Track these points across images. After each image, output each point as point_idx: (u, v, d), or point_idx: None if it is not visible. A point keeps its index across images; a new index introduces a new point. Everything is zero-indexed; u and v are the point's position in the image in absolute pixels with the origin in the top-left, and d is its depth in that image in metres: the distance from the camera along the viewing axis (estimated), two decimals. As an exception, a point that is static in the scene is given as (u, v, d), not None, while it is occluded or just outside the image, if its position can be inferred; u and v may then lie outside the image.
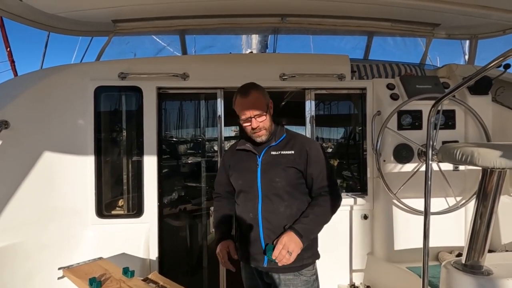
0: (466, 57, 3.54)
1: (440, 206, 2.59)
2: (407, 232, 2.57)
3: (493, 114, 2.66)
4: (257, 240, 1.62)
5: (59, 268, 1.79)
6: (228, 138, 4.49)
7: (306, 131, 2.87)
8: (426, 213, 1.45)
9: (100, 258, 1.97)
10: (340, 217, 2.74)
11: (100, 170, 2.62)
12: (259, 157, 1.68)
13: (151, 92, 2.65)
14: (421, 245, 1.47)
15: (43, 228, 2.40)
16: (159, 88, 2.71)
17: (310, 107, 2.87)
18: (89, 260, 1.91)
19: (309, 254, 1.64)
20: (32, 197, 2.37)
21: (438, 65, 3.49)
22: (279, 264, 1.50)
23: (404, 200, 2.55)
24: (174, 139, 3.46)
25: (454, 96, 2.56)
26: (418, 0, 2.48)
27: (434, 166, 2.55)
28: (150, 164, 2.63)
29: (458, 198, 2.62)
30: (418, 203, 2.52)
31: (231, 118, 2.88)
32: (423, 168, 2.53)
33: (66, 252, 2.42)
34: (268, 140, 1.68)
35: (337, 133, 3.72)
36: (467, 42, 3.46)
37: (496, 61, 1.16)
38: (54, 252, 2.36)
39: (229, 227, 1.81)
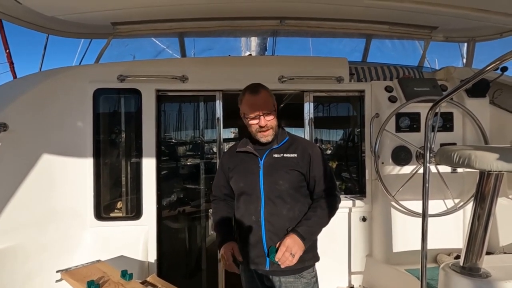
0: (464, 59, 3.56)
1: (439, 208, 2.60)
2: (405, 234, 2.58)
3: (490, 116, 2.68)
4: (259, 243, 1.61)
5: (57, 271, 1.78)
6: (227, 140, 4.49)
7: (304, 133, 2.88)
8: (424, 215, 1.45)
9: (99, 261, 1.96)
10: (338, 219, 2.74)
11: (98, 172, 2.62)
12: (260, 160, 1.67)
13: (150, 95, 2.65)
14: (419, 247, 1.47)
15: (42, 230, 2.39)
16: (158, 91, 2.71)
17: (308, 109, 2.88)
18: (87, 263, 1.90)
19: (310, 256, 1.64)
20: (31, 199, 2.36)
21: (436, 68, 3.51)
22: (282, 266, 1.50)
23: (402, 202, 2.55)
24: (173, 141, 3.46)
25: (452, 98, 2.57)
26: (416, 4, 2.49)
27: (433, 168, 2.55)
28: (149, 166, 2.63)
29: (457, 200, 2.62)
30: (416, 205, 2.53)
31: (230, 120, 2.90)
32: (421, 170, 2.53)
33: (64, 254, 2.41)
34: (272, 141, 1.68)
35: (335, 135, 3.73)
36: (465, 44, 3.48)
37: (494, 64, 1.17)
38: (53, 254, 2.36)
39: (231, 229, 1.79)
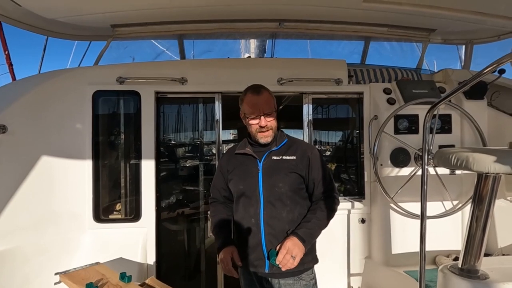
0: (462, 62, 3.58)
1: (437, 209, 2.60)
2: (404, 236, 2.58)
3: (488, 119, 2.69)
4: (258, 246, 1.61)
5: (56, 273, 1.78)
6: (226, 142, 4.49)
7: (303, 135, 2.88)
8: (423, 217, 1.46)
9: (97, 263, 1.95)
10: (337, 221, 2.75)
11: (97, 174, 2.62)
12: (259, 162, 1.67)
13: (149, 97, 2.66)
14: (418, 249, 1.47)
15: (41, 232, 2.39)
16: (157, 93, 2.71)
17: (307, 111, 2.88)
18: (86, 265, 1.90)
19: (309, 258, 1.65)
20: (30, 201, 2.36)
21: (435, 70, 3.52)
22: (283, 269, 1.50)
23: (401, 204, 2.56)
24: (172, 142, 3.46)
25: (450, 100, 2.58)
26: (414, 6, 2.50)
27: (431, 170, 2.56)
28: (148, 168, 2.63)
29: (455, 202, 2.63)
30: (415, 207, 2.53)
31: (229, 121, 2.90)
32: (419, 172, 2.54)
33: (63, 256, 2.41)
34: (271, 143, 1.68)
35: (334, 137, 3.74)
36: (463, 47, 3.50)
37: (492, 67, 1.18)
38: (51, 256, 2.35)
39: (230, 232, 1.78)
